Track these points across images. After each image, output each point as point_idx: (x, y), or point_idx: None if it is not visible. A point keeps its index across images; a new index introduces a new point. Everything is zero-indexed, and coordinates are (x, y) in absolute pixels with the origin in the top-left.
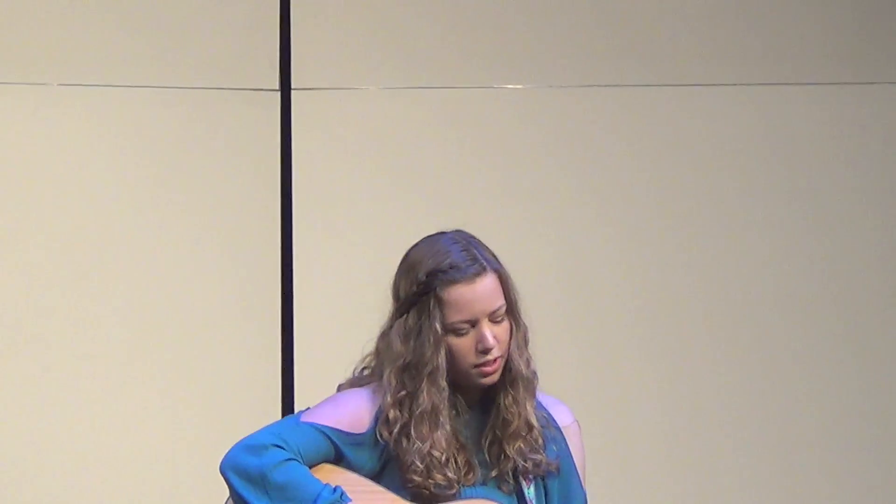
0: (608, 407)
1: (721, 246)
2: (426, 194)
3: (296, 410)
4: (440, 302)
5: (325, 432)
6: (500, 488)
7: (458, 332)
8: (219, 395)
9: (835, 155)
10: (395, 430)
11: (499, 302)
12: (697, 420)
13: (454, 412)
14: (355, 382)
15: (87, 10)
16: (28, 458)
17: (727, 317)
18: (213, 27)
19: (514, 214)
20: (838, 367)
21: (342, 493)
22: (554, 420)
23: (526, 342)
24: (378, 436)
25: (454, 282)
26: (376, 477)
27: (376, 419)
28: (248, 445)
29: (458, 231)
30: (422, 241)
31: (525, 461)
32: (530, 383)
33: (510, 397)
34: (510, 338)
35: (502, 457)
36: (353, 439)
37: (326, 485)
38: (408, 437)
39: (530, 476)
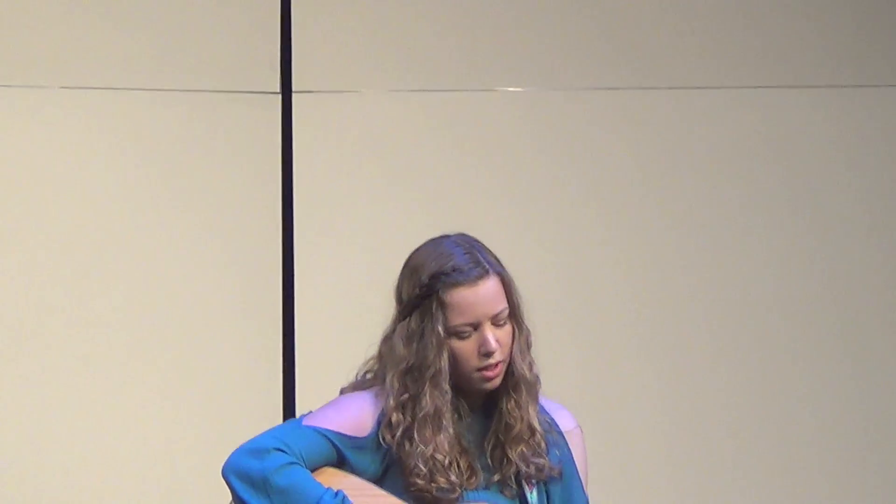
0: (608, 410)
1: (721, 249)
2: (426, 197)
3: (297, 413)
4: (443, 305)
5: (328, 436)
6: (502, 493)
7: (460, 336)
8: (220, 397)
9: (835, 158)
10: (398, 434)
11: (501, 305)
12: (698, 424)
13: (457, 416)
14: (358, 386)
15: (89, 13)
16: (28, 459)
17: (728, 320)
18: (214, 30)
19: (514, 217)
20: (838, 369)
21: (344, 497)
22: (557, 425)
23: (528, 346)
24: (381, 439)
25: (457, 284)
26: (378, 481)
27: (379, 423)
28: (251, 449)
29: (461, 234)
30: (425, 244)
31: (528, 466)
32: (533, 387)
33: (513, 401)
34: (513, 341)
35: (505, 461)
36: (356, 443)
37: (328, 489)
38: (410, 440)
39: (533, 480)
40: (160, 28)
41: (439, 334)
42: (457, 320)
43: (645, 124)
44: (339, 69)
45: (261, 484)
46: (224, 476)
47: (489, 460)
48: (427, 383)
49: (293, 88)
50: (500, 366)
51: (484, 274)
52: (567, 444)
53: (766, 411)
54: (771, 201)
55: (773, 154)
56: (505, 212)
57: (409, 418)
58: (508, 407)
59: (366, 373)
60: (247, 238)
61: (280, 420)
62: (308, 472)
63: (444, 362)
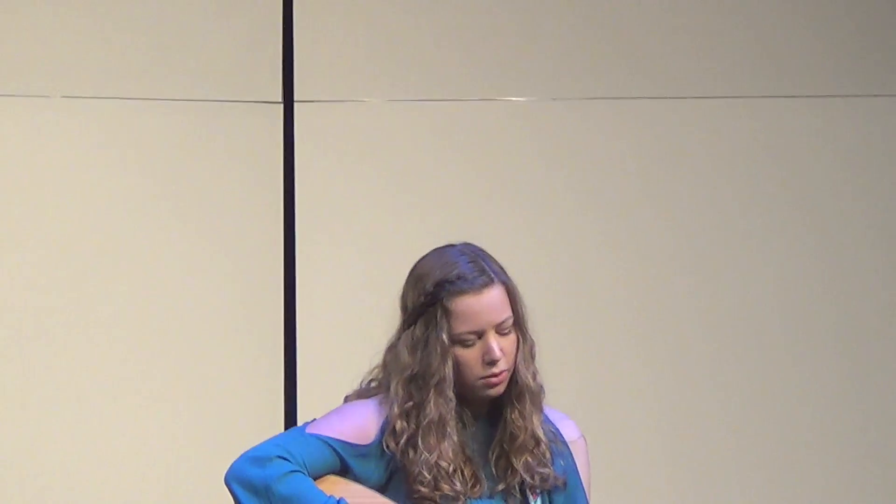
0: (609, 418)
1: (724, 258)
2: (428, 206)
3: (298, 418)
4: (447, 313)
5: (331, 444)
6: (506, 502)
7: (464, 344)
8: (223, 405)
9: (836, 167)
10: (402, 441)
11: (506, 314)
12: (699, 431)
13: (461, 425)
14: (362, 394)
15: (90, 22)
16: (29, 461)
17: (729, 329)
18: (216, 39)
19: (516, 226)
20: (837, 375)
21: None
22: (561, 434)
23: (533, 355)
24: (384, 447)
25: (462, 292)
26: (382, 489)
27: (382, 430)
28: (253, 457)
29: (466, 244)
30: (430, 253)
31: (532, 476)
32: (537, 397)
33: (517, 411)
34: (517, 350)
35: (510, 470)
36: (359, 451)
37: (331, 496)
38: (415, 447)
39: (537, 490)
40: (162, 37)
41: (444, 342)
42: (461, 328)
43: (647, 134)
44: (341, 78)
45: (263, 492)
46: (226, 483)
47: (493, 469)
48: (431, 391)
49: (295, 98)
50: (504, 374)
51: (489, 282)
52: (571, 454)
53: (767, 418)
54: (772, 210)
55: (774, 163)
56: (506, 221)
57: (413, 426)
58: (513, 416)
59: (370, 381)
60: (249, 247)
61: (282, 425)
62: (311, 480)
63: (449, 370)
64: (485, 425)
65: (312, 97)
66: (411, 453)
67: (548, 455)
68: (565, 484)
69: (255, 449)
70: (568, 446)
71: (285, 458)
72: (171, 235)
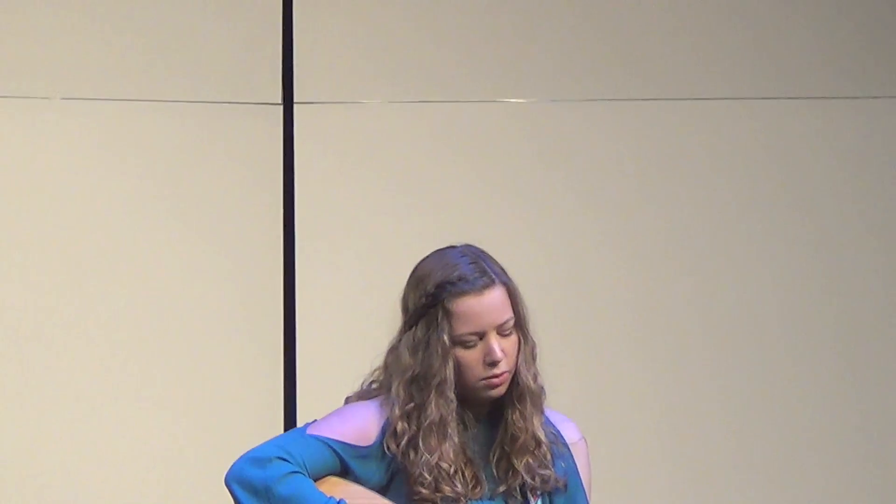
0: (608, 420)
1: (723, 259)
2: (428, 207)
3: (298, 421)
4: (448, 314)
5: (331, 445)
6: (507, 503)
7: (465, 345)
8: (223, 405)
9: (835, 169)
10: (403, 443)
11: (507, 315)
12: (699, 433)
13: (462, 426)
14: (363, 395)
15: (90, 23)
16: (28, 462)
17: (729, 331)
18: (216, 41)
19: (515, 228)
20: (837, 375)
21: None
22: (562, 436)
23: (534, 357)
24: (385, 448)
25: (463, 293)
26: (382, 490)
27: (383, 432)
28: (253, 458)
29: (467, 245)
30: (431, 254)
31: (533, 477)
32: (538, 398)
33: (518, 412)
34: (518, 352)
35: (511, 472)
36: (359, 452)
37: (331, 497)
38: (416, 449)
39: (538, 492)
40: (162, 39)
41: (445, 343)
42: (462, 329)
43: (647, 135)
44: (341, 80)
45: (263, 493)
46: (227, 484)
47: (494, 471)
48: (432, 392)
49: (295, 99)
50: (505, 375)
51: (490, 283)
52: (572, 455)
53: (766, 419)
54: (771, 211)
55: (773, 165)
56: (506, 222)
57: (414, 427)
58: (513, 418)
59: (371, 382)
60: (248, 248)
61: (281, 425)
62: (311, 481)
63: (450, 371)
64: (486, 427)
65: (312, 98)
66: (412, 454)
67: (549, 456)
68: (566, 485)
69: (255, 450)
70: (569, 448)
71: (285, 459)
72: (170, 237)
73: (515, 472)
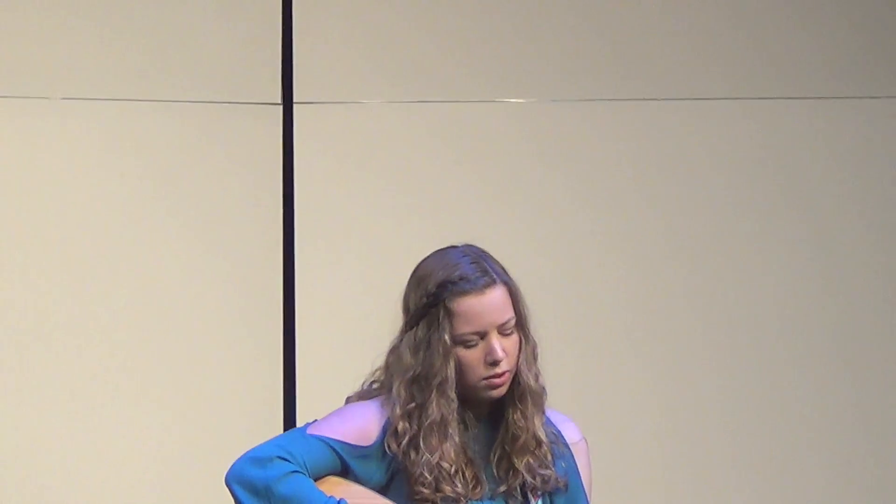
0: (607, 420)
1: (722, 259)
2: (427, 207)
3: (298, 421)
4: (449, 313)
5: (331, 445)
6: (507, 503)
7: (466, 344)
8: (222, 406)
9: (834, 169)
10: (404, 442)
11: (508, 314)
12: (698, 433)
13: (462, 426)
14: (364, 395)
15: (90, 24)
16: (28, 463)
17: (729, 331)
18: (216, 41)
19: (515, 228)
20: (836, 375)
21: None
22: (563, 436)
23: (535, 357)
24: (386, 448)
25: (464, 293)
26: (383, 490)
27: (384, 431)
28: (254, 457)
29: (468, 245)
30: (432, 254)
31: (534, 477)
32: (539, 398)
33: (518, 412)
34: (519, 352)
35: (511, 472)
36: (360, 452)
37: (331, 497)
38: (416, 448)
39: (538, 492)
40: (162, 39)
41: (446, 343)
42: (463, 329)
43: (645, 135)
44: (340, 80)
45: (264, 492)
46: (227, 484)
47: (495, 471)
48: (434, 391)
49: (294, 99)
50: (506, 375)
51: (491, 283)
52: (573, 455)
53: (766, 419)
54: (771, 211)
55: (773, 165)
56: (506, 223)
57: (415, 427)
58: (514, 417)
59: (372, 382)
60: (248, 248)
61: (281, 426)
62: (311, 480)
63: (451, 370)
64: (486, 426)
65: (312, 99)
66: (413, 454)
67: (549, 456)
68: (566, 485)
69: (255, 449)
70: (569, 448)
71: (286, 459)
72: (170, 237)
73: (516, 471)
